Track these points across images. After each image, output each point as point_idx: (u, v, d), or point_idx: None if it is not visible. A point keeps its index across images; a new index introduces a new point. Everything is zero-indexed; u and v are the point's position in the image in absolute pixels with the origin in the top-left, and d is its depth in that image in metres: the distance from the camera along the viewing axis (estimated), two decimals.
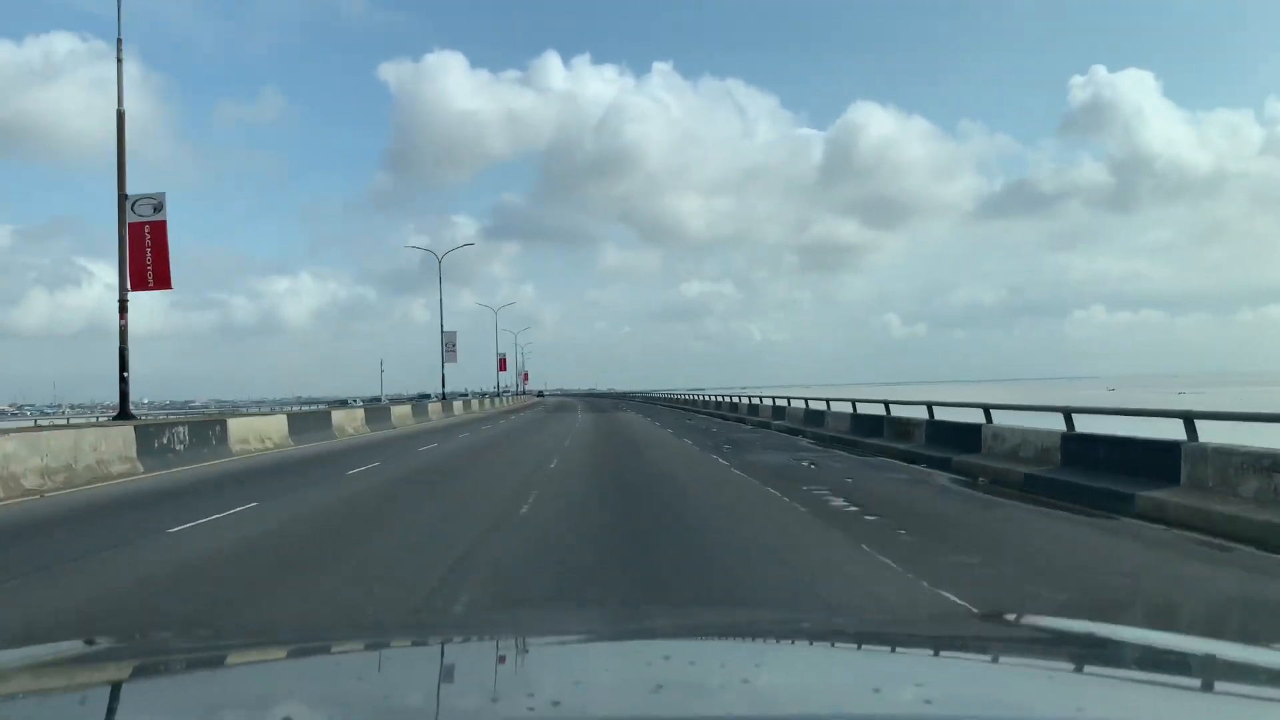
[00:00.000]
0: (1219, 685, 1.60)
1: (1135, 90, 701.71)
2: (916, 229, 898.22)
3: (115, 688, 1.65)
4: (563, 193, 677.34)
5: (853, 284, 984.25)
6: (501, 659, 1.86)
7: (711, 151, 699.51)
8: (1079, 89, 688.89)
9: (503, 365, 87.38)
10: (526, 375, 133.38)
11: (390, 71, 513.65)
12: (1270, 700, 1.48)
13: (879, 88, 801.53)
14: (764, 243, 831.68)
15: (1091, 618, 2.67)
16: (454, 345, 58.51)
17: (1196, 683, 1.63)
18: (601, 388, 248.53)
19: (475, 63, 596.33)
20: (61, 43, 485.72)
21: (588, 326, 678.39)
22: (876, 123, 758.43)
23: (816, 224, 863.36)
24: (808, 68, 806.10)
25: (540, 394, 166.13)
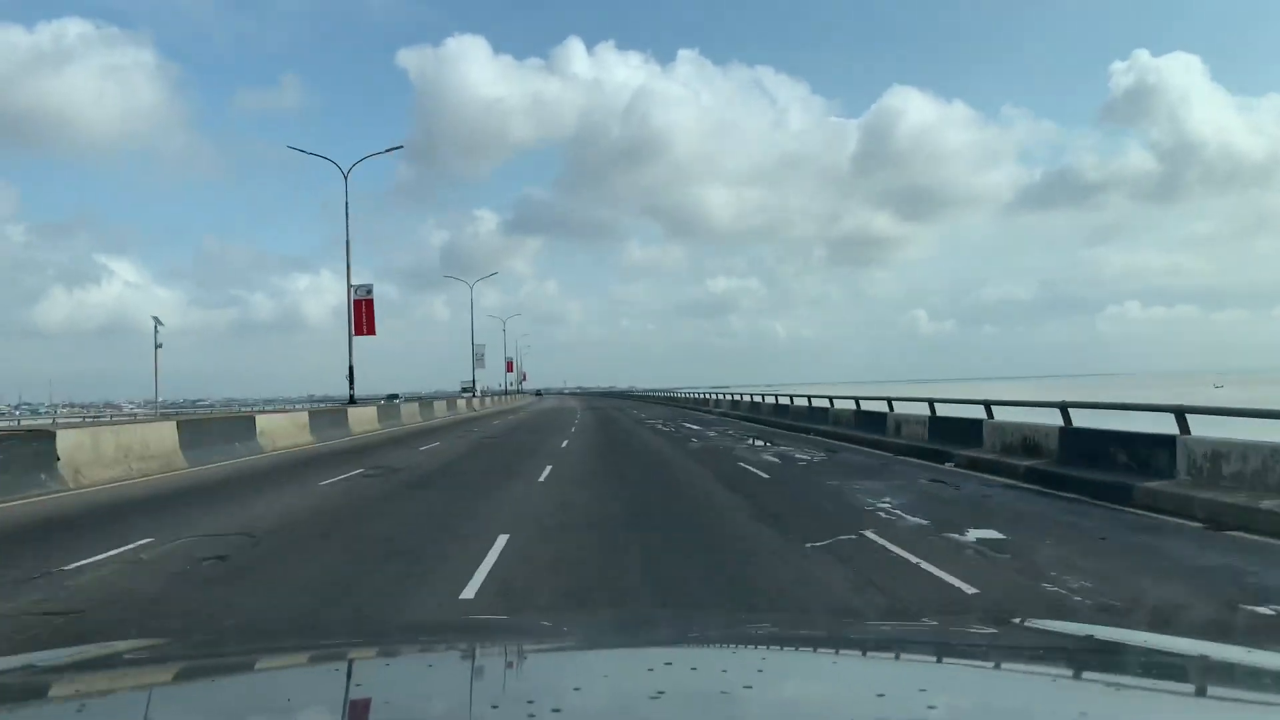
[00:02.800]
0: (1222, 689, 1.62)
1: (1181, 75, 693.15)
2: (952, 221, 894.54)
3: (113, 693, 1.69)
4: (588, 184, 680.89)
5: (883, 279, 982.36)
6: (501, 665, 1.88)
7: (739, 141, 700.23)
8: (1120, 75, 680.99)
9: (358, 320, 37.69)
10: (511, 364, 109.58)
11: (409, 58, 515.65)
12: (1273, 704, 1.50)
13: (917, 71, 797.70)
14: (793, 236, 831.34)
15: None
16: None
17: (1200, 686, 1.64)
18: (622, 385, 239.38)
19: (497, 48, 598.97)
20: (73, 28, 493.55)
21: (612, 323, 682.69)
22: (914, 108, 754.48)
23: (848, 216, 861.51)
24: (841, 51, 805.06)
25: (539, 393, 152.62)
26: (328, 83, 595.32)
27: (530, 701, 1.36)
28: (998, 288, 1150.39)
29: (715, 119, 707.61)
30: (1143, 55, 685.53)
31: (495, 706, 1.42)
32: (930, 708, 1.38)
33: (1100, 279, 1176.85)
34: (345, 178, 36.29)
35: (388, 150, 44.02)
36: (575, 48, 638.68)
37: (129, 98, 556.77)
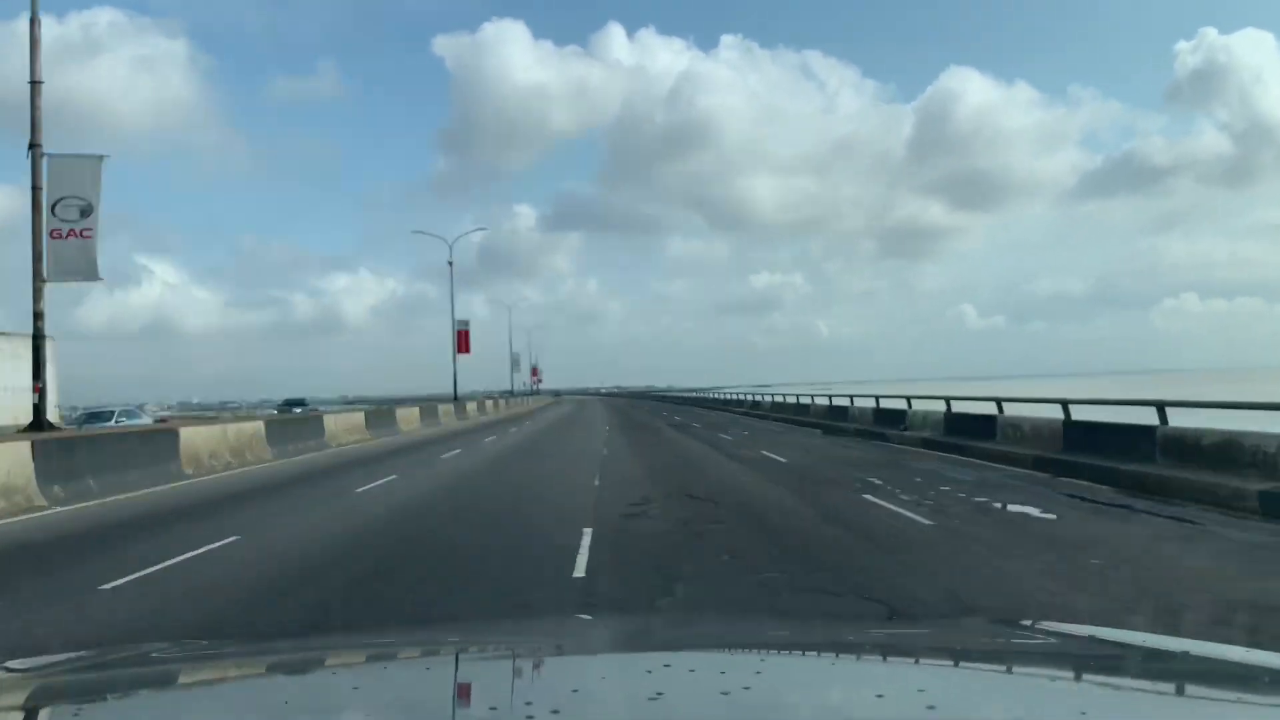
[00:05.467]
0: (1223, 689, 1.64)
1: (1253, 53, 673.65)
2: (1007, 211, 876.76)
3: (110, 700, 1.74)
4: (629, 176, 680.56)
5: (931, 273, 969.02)
6: (499, 668, 1.95)
7: (786, 129, 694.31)
8: (1187, 54, 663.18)
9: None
10: (465, 338, 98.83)
11: (446, 45, 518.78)
12: (1274, 705, 1.54)
13: (976, 51, 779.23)
14: (840, 229, 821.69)
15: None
16: None
17: (1201, 687, 1.67)
18: (661, 385, 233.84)
19: (534, 35, 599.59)
20: (104, 16, 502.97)
21: (652, 321, 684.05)
22: (973, 90, 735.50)
23: (899, 207, 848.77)
24: (894, 32, 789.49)
25: (557, 394, 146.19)
26: (363, 73, 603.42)
27: (529, 703, 1.42)
28: (1051, 281, 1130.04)
29: (761, 106, 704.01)
30: (1210, 33, 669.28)
31: (493, 708, 1.48)
32: (929, 708, 1.40)
33: (1158, 270, 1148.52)
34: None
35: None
36: (615, 34, 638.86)
37: (162, 90, 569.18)
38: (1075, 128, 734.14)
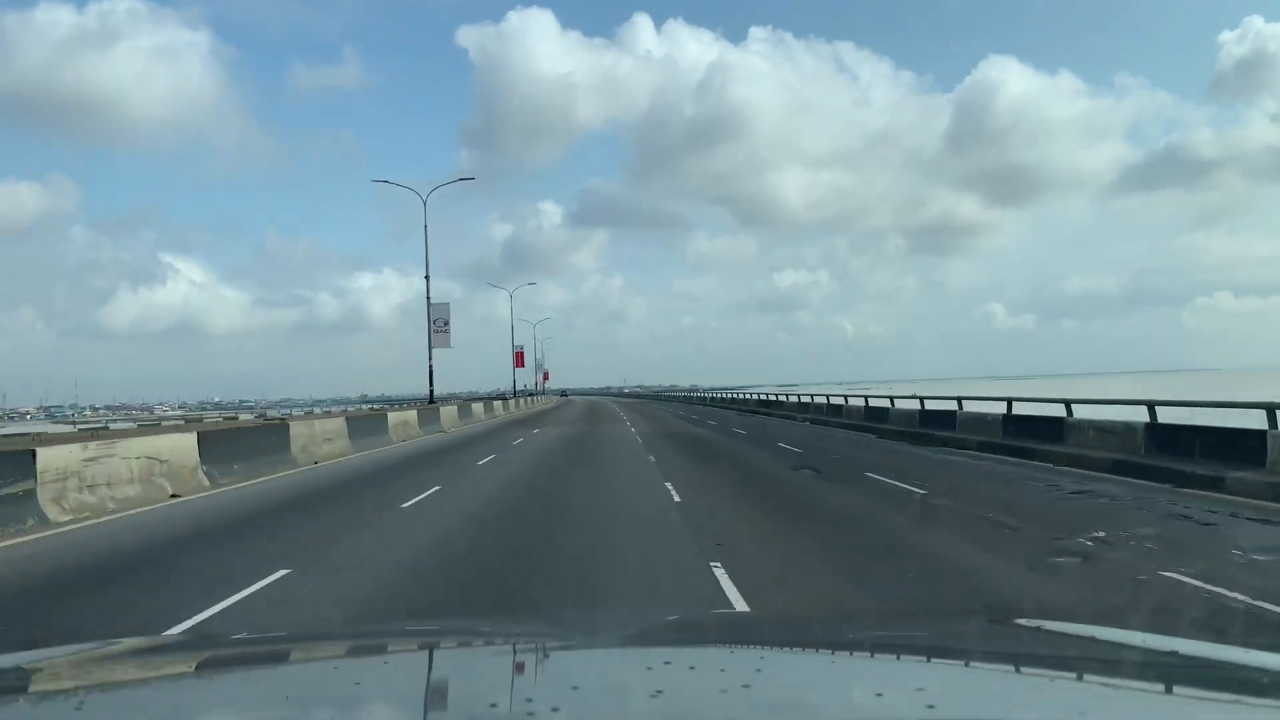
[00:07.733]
0: (1221, 689, 1.68)
1: None
2: (1044, 206, 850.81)
3: (112, 691, 1.78)
4: (655, 171, 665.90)
5: (961, 271, 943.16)
6: (500, 664, 2.00)
7: (816, 122, 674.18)
8: (1232, 44, 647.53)
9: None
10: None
11: (470, 36, 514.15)
12: (1271, 705, 1.55)
13: (1016, 38, 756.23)
14: (869, 225, 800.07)
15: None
16: None
17: (1198, 687, 1.70)
18: (684, 384, 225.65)
19: (560, 25, 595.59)
20: (123, 5, 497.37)
21: (675, 320, 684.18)
22: (1013, 79, 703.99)
23: (931, 202, 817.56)
24: (930, 20, 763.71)
25: (564, 393, 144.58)
26: (386, 65, 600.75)
27: (529, 700, 1.46)
28: (1084, 279, 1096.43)
29: (792, 99, 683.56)
30: (1256, 21, 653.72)
31: (494, 705, 1.52)
32: (929, 707, 1.42)
33: (1195, 268, 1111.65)
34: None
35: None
36: (642, 25, 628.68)
37: (183, 82, 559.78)
38: (1120, 119, 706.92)
